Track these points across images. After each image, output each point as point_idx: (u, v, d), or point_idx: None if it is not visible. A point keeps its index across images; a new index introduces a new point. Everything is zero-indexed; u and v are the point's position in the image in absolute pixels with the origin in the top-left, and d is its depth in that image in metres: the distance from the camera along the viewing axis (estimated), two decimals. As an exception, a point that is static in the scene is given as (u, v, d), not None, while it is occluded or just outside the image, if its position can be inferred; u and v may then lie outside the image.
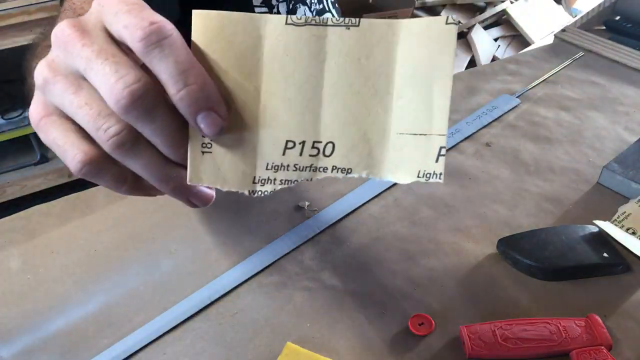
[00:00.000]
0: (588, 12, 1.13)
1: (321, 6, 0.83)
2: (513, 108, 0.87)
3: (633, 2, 1.10)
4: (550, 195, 0.70)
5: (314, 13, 0.81)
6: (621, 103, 0.89)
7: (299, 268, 0.60)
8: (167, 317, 0.54)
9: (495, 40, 2.32)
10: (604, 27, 1.13)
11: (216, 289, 0.57)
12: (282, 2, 0.74)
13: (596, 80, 0.95)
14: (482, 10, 2.40)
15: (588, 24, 1.12)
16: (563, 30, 1.09)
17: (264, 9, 0.72)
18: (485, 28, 2.34)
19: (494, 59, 2.23)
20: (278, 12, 0.74)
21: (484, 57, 2.19)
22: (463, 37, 2.30)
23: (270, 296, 0.57)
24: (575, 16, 1.90)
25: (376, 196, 0.69)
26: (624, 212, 0.64)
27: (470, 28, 2.29)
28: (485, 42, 2.27)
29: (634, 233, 0.62)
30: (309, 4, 0.79)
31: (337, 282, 0.58)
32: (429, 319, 0.53)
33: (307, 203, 0.68)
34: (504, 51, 2.29)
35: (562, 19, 2.34)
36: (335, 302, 0.56)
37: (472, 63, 2.21)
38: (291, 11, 0.77)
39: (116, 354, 0.51)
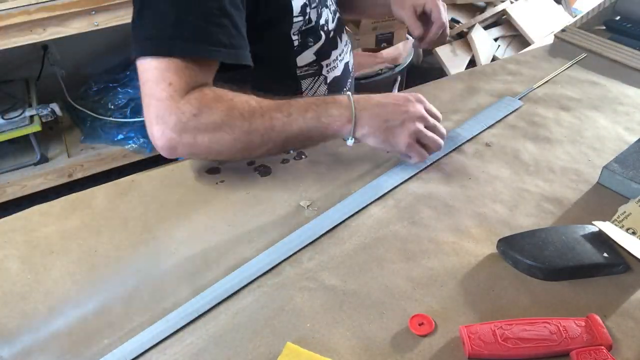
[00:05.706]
0: (588, 12, 1.13)
1: (334, 6, 0.90)
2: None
3: (633, 2, 1.10)
4: (550, 195, 0.70)
5: (333, 12, 0.88)
6: (621, 103, 0.89)
7: (299, 268, 0.60)
8: (168, 322, 0.54)
9: (495, 40, 2.31)
10: (604, 27, 1.13)
11: (214, 296, 0.56)
12: (313, 9, 0.81)
13: (596, 80, 0.95)
14: (482, 10, 2.39)
15: (588, 24, 1.12)
16: (563, 30, 1.09)
17: (301, 18, 0.78)
18: (485, 28, 2.34)
19: (494, 59, 2.23)
20: (310, 19, 0.80)
21: (484, 57, 2.19)
22: (463, 37, 2.30)
23: (270, 296, 0.57)
24: (575, 16, 1.91)
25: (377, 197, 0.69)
26: (624, 212, 0.64)
27: (470, 28, 2.28)
28: (485, 42, 2.27)
29: (634, 233, 0.62)
30: (328, 6, 0.86)
31: (337, 282, 0.58)
32: (429, 319, 0.53)
33: (307, 203, 0.68)
34: (504, 51, 2.29)
35: (562, 19, 2.34)
36: (335, 302, 0.56)
37: (472, 63, 2.20)
38: (318, 15, 0.83)
39: (121, 356, 0.51)
